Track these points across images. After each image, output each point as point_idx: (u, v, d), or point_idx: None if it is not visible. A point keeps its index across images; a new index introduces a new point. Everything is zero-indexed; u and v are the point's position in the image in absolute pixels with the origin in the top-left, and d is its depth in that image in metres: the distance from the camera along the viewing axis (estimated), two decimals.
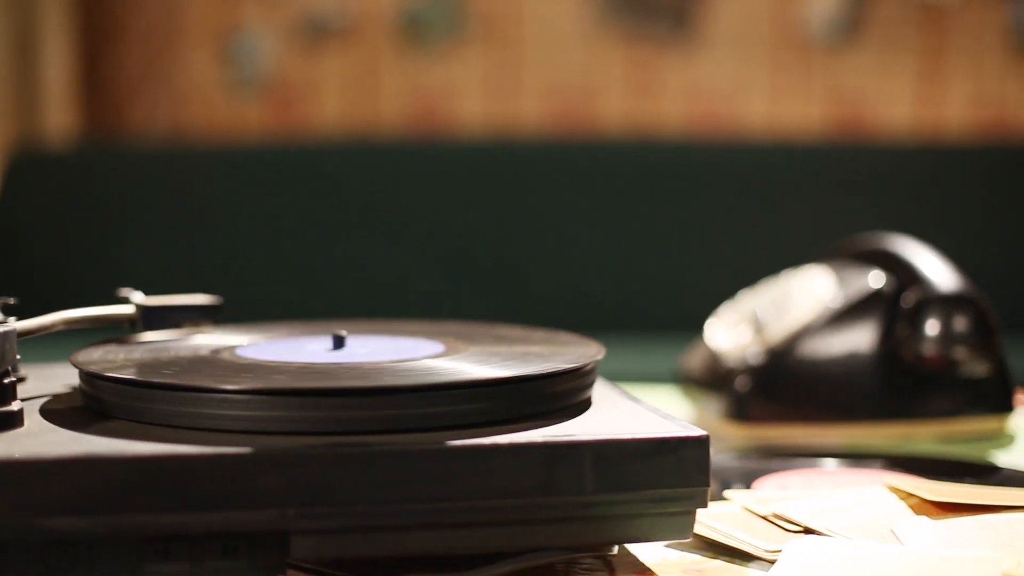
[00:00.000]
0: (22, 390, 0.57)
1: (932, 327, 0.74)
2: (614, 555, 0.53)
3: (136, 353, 0.57)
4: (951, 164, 2.46)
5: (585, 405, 0.54)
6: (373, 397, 0.49)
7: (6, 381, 0.50)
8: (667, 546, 0.54)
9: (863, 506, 0.58)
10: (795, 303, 0.79)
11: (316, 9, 2.68)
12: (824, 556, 0.52)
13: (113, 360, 0.55)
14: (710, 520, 0.56)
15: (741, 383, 0.75)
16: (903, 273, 0.77)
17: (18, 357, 0.52)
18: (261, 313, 2.34)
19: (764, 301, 0.81)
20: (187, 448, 0.46)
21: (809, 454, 0.70)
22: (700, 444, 0.49)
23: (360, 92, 2.70)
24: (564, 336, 0.61)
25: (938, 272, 0.76)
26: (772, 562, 0.52)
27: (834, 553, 0.52)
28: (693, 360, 0.82)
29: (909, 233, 1.94)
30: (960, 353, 0.74)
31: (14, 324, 0.53)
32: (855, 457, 0.70)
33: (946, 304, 0.74)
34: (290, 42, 2.70)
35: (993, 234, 2.43)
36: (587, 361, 0.54)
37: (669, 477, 0.49)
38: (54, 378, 0.61)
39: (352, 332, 0.62)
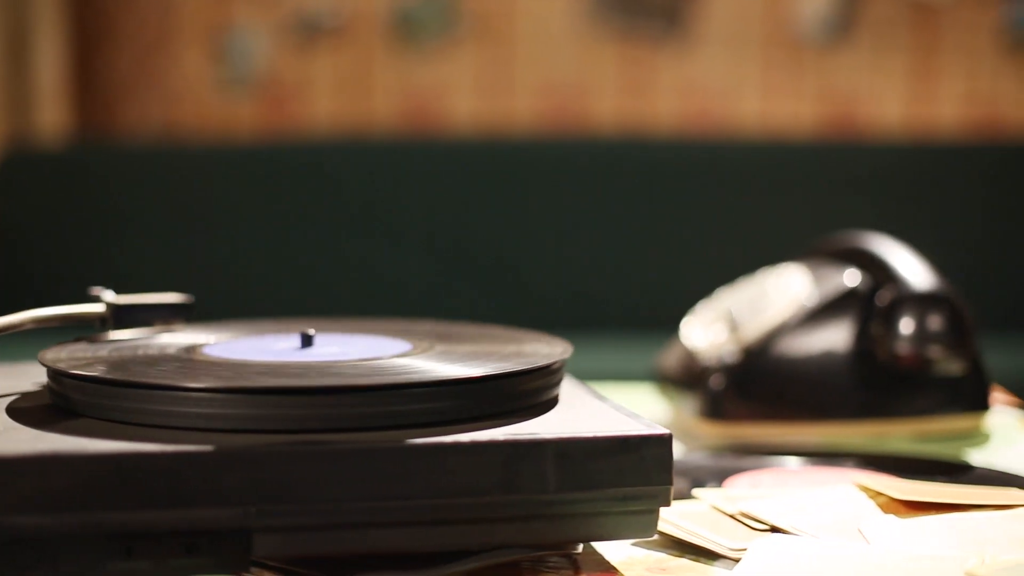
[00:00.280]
0: None
1: (906, 326, 0.74)
2: (579, 553, 0.53)
3: (104, 351, 0.57)
4: (943, 163, 2.47)
5: (552, 403, 0.54)
6: (334, 396, 0.49)
7: None
8: (633, 544, 0.55)
9: (831, 505, 0.58)
10: (771, 302, 0.79)
11: (308, 8, 2.68)
12: (789, 555, 0.52)
13: (80, 358, 0.55)
14: (676, 518, 0.56)
15: (716, 382, 0.75)
16: (878, 272, 0.78)
17: None
18: (253, 311, 2.34)
19: (740, 300, 0.81)
20: (149, 446, 0.46)
21: (782, 453, 0.70)
22: (662, 443, 0.49)
23: (353, 91, 2.70)
24: (534, 335, 0.61)
25: (913, 271, 0.76)
26: (737, 560, 0.52)
27: (799, 552, 0.52)
28: (669, 359, 0.82)
29: (901, 231, 1.94)
30: (934, 352, 0.74)
31: None
32: (828, 456, 0.70)
33: (920, 303, 0.74)
34: (282, 41, 2.70)
35: (986, 232, 2.43)
36: (551, 361, 0.54)
37: (631, 476, 0.49)
38: (23, 376, 0.61)
39: (324, 330, 0.62)
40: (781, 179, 2.45)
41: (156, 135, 2.73)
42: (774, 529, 0.56)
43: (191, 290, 2.38)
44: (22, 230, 2.51)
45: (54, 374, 0.53)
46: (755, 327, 0.77)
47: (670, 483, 0.49)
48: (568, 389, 0.57)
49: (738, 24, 2.63)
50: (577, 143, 2.54)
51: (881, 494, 0.60)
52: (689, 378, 0.78)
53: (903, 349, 0.74)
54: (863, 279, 0.78)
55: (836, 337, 0.76)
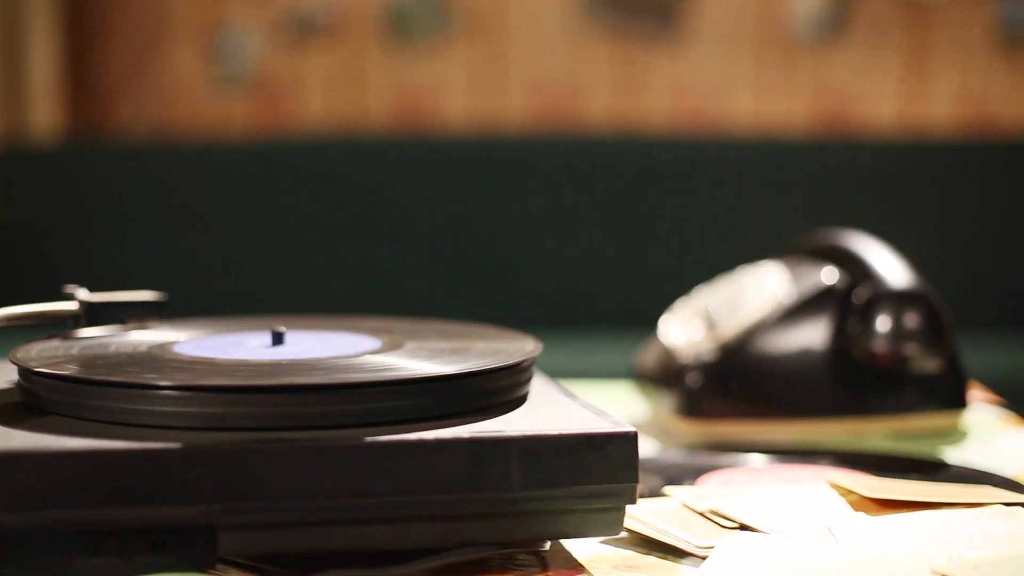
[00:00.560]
0: None
1: (883, 323, 0.74)
2: (547, 551, 0.53)
3: (74, 349, 0.57)
4: (936, 161, 2.47)
5: (521, 401, 0.54)
6: (299, 394, 0.49)
7: None
8: (602, 542, 0.55)
9: (802, 503, 0.59)
10: (748, 299, 0.79)
11: (301, 6, 2.68)
12: (756, 553, 0.52)
13: (49, 356, 0.55)
14: (645, 516, 0.56)
15: (693, 379, 0.76)
16: (855, 269, 0.78)
17: None
18: (244, 308, 2.34)
19: (717, 297, 0.81)
20: (114, 443, 0.47)
21: (757, 450, 0.70)
22: (628, 440, 0.49)
23: (345, 89, 2.70)
24: (508, 333, 0.61)
25: (890, 269, 0.77)
26: (704, 558, 0.52)
27: (767, 550, 0.52)
28: (648, 356, 0.82)
29: (894, 229, 1.94)
30: (910, 349, 0.74)
31: None
32: (803, 453, 0.70)
33: (897, 300, 0.74)
34: (276, 39, 2.70)
35: (978, 230, 2.43)
36: (519, 359, 0.54)
37: (596, 473, 0.49)
38: None
39: (300, 328, 0.62)
40: (774, 177, 2.46)
41: (150, 133, 2.73)
42: (743, 527, 0.56)
43: (184, 287, 2.38)
44: (15, 228, 2.51)
45: (23, 372, 0.53)
46: (732, 325, 0.77)
47: (636, 481, 0.49)
48: (538, 387, 0.58)
49: (731, 22, 2.63)
50: (570, 141, 2.54)
51: (852, 492, 0.60)
52: (667, 376, 0.78)
53: (879, 347, 0.74)
54: (840, 277, 0.78)
55: (813, 335, 0.76)
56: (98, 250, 2.47)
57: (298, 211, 2.48)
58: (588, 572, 0.51)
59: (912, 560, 0.51)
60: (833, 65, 2.62)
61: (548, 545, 0.53)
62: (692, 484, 0.63)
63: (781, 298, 0.78)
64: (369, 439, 0.47)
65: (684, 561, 0.52)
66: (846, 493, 0.60)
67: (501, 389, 0.53)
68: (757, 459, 0.68)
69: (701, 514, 0.57)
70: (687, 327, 0.80)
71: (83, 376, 0.50)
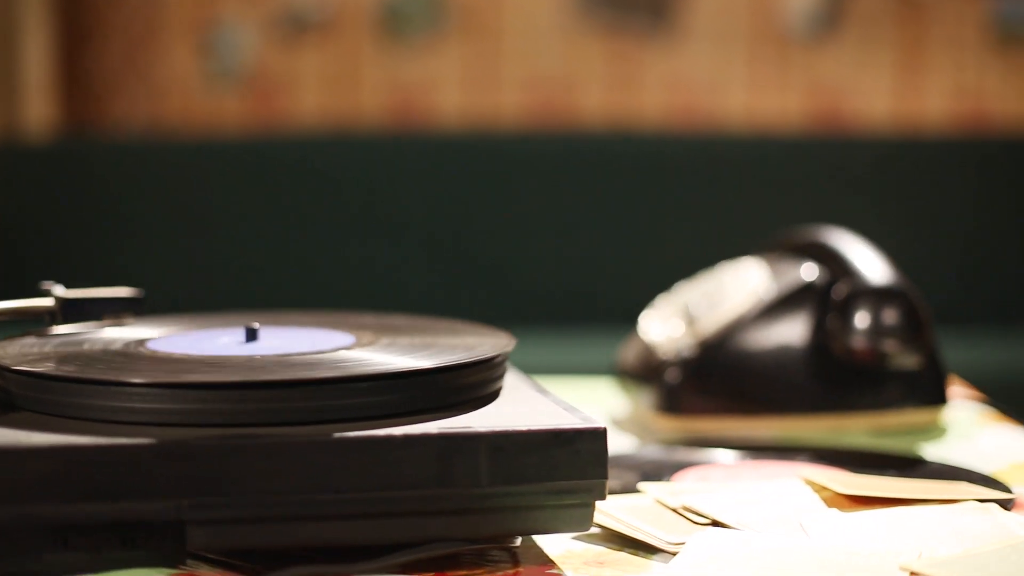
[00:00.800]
0: None
1: (861, 320, 0.74)
2: (517, 547, 0.53)
3: (48, 346, 0.57)
4: (930, 157, 2.47)
5: (493, 397, 0.54)
6: (269, 390, 0.49)
7: None
8: (573, 538, 0.55)
9: (775, 499, 0.59)
10: (728, 295, 0.79)
11: (295, 2, 2.68)
12: (727, 549, 0.52)
13: (21, 353, 0.55)
14: (617, 512, 0.56)
15: (672, 375, 0.76)
16: (835, 266, 0.78)
17: None
18: (237, 303, 2.34)
19: (697, 293, 0.81)
20: (84, 439, 0.47)
21: (735, 447, 0.70)
22: (597, 436, 0.49)
23: (340, 85, 2.70)
24: (482, 328, 0.61)
25: (869, 265, 0.77)
26: (675, 554, 0.52)
27: (738, 546, 0.52)
28: (629, 352, 0.82)
29: (888, 226, 1.94)
30: (889, 346, 0.74)
31: None
32: (781, 450, 0.70)
33: (876, 297, 0.74)
34: (269, 35, 2.70)
35: (972, 227, 2.43)
36: (491, 354, 0.54)
37: (565, 469, 0.49)
38: None
39: (275, 324, 0.62)
40: (768, 174, 2.46)
41: (143, 129, 2.73)
42: (716, 523, 0.56)
43: (177, 283, 2.38)
44: (8, 224, 2.51)
45: None
46: (712, 321, 0.77)
47: (605, 477, 0.49)
48: (512, 382, 0.58)
49: (724, 19, 2.63)
50: (564, 137, 2.54)
51: (827, 488, 0.60)
52: (647, 372, 0.78)
53: (858, 343, 0.74)
54: (820, 273, 0.78)
55: (793, 331, 0.77)
56: (92, 246, 2.47)
57: (292, 208, 2.48)
58: (559, 568, 0.51)
59: (882, 557, 0.51)
60: (827, 61, 2.62)
61: (519, 541, 0.53)
62: (668, 480, 0.63)
63: (761, 294, 0.78)
64: (338, 435, 0.47)
65: (655, 557, 0.53)
66: (820, 489, 0.60)
67: (472, 385, 0.53)
68: (734, 455, 0.69)
69: (674, 510, 0.57)
70: (667, 323, 0.80)
71: (54, 373, 0.50)
